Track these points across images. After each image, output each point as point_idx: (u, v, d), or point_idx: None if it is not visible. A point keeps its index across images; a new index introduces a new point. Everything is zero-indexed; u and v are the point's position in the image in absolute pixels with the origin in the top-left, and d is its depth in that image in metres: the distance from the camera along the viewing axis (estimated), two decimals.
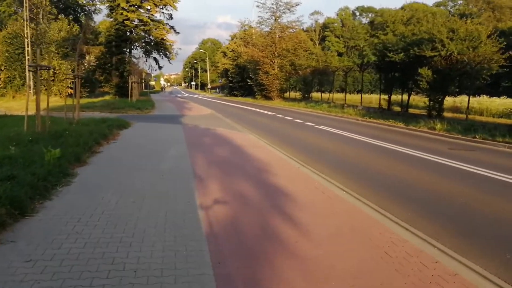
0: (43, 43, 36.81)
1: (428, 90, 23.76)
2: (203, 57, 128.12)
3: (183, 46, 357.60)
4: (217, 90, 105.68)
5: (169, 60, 64.75)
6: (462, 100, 28.30)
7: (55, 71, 37.34)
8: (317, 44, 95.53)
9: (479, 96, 34.94)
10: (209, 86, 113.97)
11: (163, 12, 57.66)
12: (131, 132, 16.28)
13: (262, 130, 18.93)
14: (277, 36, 54.01)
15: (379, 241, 5.20)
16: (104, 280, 3.93)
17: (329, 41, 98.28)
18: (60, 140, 10.72)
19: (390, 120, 23.58)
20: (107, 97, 44.83)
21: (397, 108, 30.16)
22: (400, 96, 30.62)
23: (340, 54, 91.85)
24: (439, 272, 4.34)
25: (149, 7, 54.59)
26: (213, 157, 11.11)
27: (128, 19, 50.83)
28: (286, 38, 53.53)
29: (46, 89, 17.80)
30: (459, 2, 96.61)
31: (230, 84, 74.63)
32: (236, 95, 69.09)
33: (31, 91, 24.95)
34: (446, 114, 25.24)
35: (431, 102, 24.56)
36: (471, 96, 24.21)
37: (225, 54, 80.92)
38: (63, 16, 46.25)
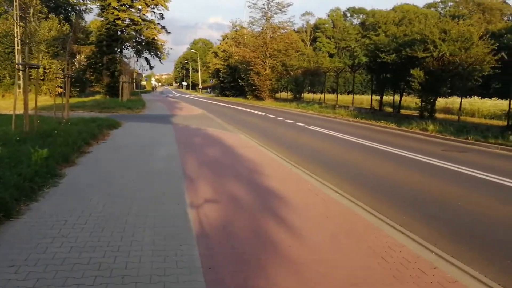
0: (33, 42, 36.48)
1: (420, 91, 23.73)
2: (194, 57, 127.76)
3: (174, 46, 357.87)
4: (208, 90, 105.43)
5: (160, 60, 64.49)
6: (453, 101, 28.35)
7: (45, 70, 37.09)
8: (308, 45, 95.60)
9: (471, 97, 35.04)
10: (200, 86, 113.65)
11: (154, 12, 57.40)
12: (121, 132, 16.07)
13: (254, 131, 18.78)
14: (269, 36, 53.97)
15: (375, 246, 5.05)
16: (90, 287, 3.75)
17: (320, 42, 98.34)
18: (49, 140, 10.52)
19: (382, 121, 23.53)
20: (97, 97, 44.48)
21: (389, 109, 30.18)
22: (391, 97, 30.63)
23: (331, 55, 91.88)
24: (438, 279, 4.19)
25: (140, 7, 54.27)
26: (204, 157, 10.94)
27: (119, 19, 50.48)
28: (277, 38, 53.52)
29: (36, 88, 17.50)
30: (449, 4, 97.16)
31: (221, 84, 74.49)
32: (227, 95, 68.91)
33: (20, 90, 24.61)
34: (438, 115, 25.23)
35: (423, 103, 24.54)
36: (462, 97, 24.21)
37: (216, 54, 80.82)
38: (53, 15, 45.85)
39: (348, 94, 57.31)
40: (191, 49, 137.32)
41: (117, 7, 50.26)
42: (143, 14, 55.38)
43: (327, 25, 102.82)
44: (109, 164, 9.59)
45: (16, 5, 35.37)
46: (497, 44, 22.84)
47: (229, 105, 43.40)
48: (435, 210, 7.19)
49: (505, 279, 4.53)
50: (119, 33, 52.29)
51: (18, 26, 34.88)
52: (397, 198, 7.92)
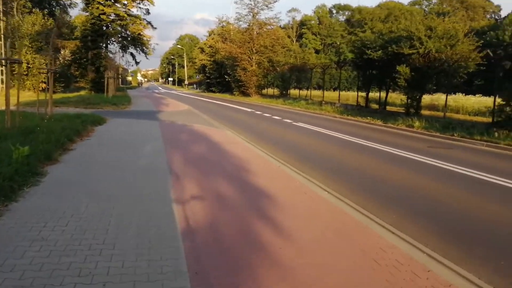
0: (17, 36, 35.84)
1: (406, 87, 23.76)
2: (181, 53, 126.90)
3: (161, 42, 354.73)
4: (195, 86, 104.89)
5: (146, 56, 63.80)
6: (438, 97, 28.49)
7: (29, 65, 36.49)
8: (295, 41, 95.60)
9: (455, 94, 35.29)
10: (186, 82, 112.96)
11: (140, 7, 56.67)
12: (106, 128, 15.80)
13: (240, 127, 18.62)
14: (255, 32, 53.80)
15: (366, 247, 4.93)
16: None
17: (306, 38, 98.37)
18: (31, 137, 10.25)
19: (368, 117, 23.52)
20: (82, 92, 43.82)
21: (375, 106, 30.23)
22: (377, 94, 30.67)
23: (317, 51, 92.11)
24: (432, 283, 4.08)
25: (125, 2, 53.52)
26: (190, 154, 10.76)
27: (104, 14, 49.77)
28: (264, 34, 53.38)
29: (18, 83, 17.13)
30: (433, 1, 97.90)
31: (208, 80, 74.14)
32: (213, 91, 68.62)
33: (3, 86, 24.15)
34: (424, 111, 25.34)
35: (409, 100, 24.58)
36: (447, 94, 24.33)
37: (202, 50, 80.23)
38: (37, 9, 45.11)
39: (334, 91, 57.46)
40: (178, 44, 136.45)
41: (102, 2, 49.56)
42: (129, 9, 54.65)
43: (313, 22, 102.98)
44: (93, 161, 9.34)
45: None
46: (482, 42, 23.00)
47: (216, 101, 43.14)
48: (422, 208, 7.13)
49: (486, 273, 4.47)
50: (104, 28, 51.59)
51: (1, 21, 34.24)
52: (384, 196, 7.83)
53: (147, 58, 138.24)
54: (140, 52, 61.26)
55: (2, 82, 25.02)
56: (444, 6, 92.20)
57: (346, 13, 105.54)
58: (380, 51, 25.22)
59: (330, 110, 28.97)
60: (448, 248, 5.34)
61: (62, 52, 53.11)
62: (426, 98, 27.36)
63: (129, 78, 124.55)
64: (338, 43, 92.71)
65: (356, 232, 5.46)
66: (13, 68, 15.65)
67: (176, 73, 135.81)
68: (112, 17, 52.28)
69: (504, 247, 5.56)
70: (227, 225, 5.52)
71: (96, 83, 46.99)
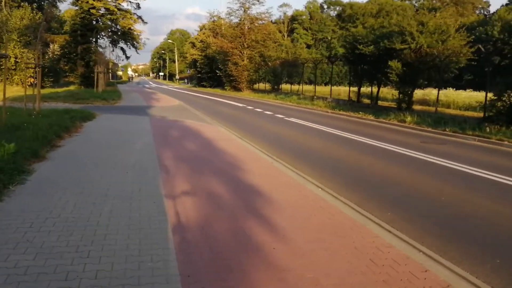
0: (5, 31, 35.32)
1: (398, 82, 23.71)
2: (172, 48, 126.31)
3: (151, 37, 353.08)
4: (186, 80, 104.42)
5: (136, 50, 63.17)
6: (429, 92, 28.48)
7: (17, 60, 35.99)
8: (286, 36, 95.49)
9: (446, 89, 35.33)
10: (177, 77, 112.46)
11: (130, 2, 56.14)
12: (96, 124, 15.56)
13: (232, 123, 18.46)
14: (247, 27, 53.52)
15: (362, 247, 4.81)
16: None
17: (297, 33, 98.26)
18: (17, 133, 10.04)
19: (360, 112, 23.45)
20: (72, 87, 43.35)
21: (367, 101, 30.19)
22: (369, 89, 30.60)
23: (308, 46, 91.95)
24: (430, 283, 3.97)
25: None
26: (181, 151, 10.60)
27: (94, 8, 49.28)
28: (255, 29, 53.12)
29: (4, 78, 16.81)
30: None
31: (199, 75, 73.80)
32: (205, 86, 68.37)
33: None
34: (415, 106, 25.33)
35: (401, 95, 24.56)
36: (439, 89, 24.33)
37: (193, 45, 79.77)
38: (26, 3, 44.47)
39: (325, 86, 57.39)
40: (168, 39, 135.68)
41: None
42: (119, 4, 54.15)
43: (304, 17, 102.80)
44: (82, 158, 9.14)
45: None
46: (473, 37, 23.04)
47: (207, 96, 42.90)
48: (416, 204, 7.06)
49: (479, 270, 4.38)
50: (94, 22, 51.12)
51: None
52: (381, 193, 7.74)
53: (137, 53, 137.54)
54: (131, 46, 60.87)
55: None
56: (434, 1, 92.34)
57: (338, 8, 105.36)
58: (371, 46, 25.13)
59: (322, 105, 28.87)
60: (443, 245, 5.25)
61: (51, 47, 52.54)
62: (418, 93, 27.37)
63: (120, 73, 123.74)
64: (330, 38, 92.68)
65: (352, 231, 5.34)
66: (1, 63, 15.31)
67: (167, 67, 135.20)
68: (102, 11, 51.82)
69: (497, 244, 5.50)
70: (219, 224, 5.37)
71: (85, 78, 46.49)
